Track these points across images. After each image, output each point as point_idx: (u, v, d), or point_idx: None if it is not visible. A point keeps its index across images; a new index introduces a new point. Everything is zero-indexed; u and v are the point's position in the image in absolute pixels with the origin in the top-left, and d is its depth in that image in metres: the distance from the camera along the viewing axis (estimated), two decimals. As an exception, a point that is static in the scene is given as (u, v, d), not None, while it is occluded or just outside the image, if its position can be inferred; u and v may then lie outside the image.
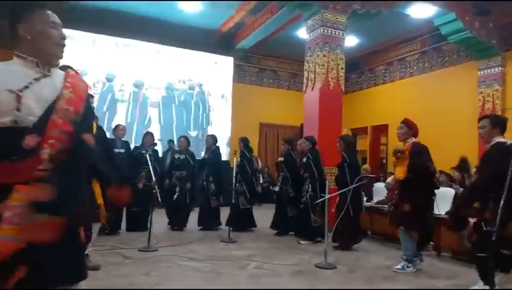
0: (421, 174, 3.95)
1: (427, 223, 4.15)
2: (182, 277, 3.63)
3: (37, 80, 1.40)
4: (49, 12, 1.47)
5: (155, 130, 9.47)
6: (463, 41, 7.65)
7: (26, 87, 1.36)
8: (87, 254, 3.55)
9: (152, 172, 4.84)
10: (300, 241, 5.50)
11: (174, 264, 4.02)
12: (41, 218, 1.27)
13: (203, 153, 7.06)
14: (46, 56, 1.45)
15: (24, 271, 1.23)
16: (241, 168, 6.26)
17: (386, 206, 6.08)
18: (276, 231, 6.05)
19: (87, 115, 1.51)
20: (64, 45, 1.50)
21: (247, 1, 7.78)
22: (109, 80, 9.38)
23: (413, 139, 4.21)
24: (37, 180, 1.29)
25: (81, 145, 1.44)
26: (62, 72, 1.51)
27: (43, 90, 1.40)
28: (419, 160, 3.96)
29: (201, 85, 10.36)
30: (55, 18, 1.47)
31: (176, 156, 6.27)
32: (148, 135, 6.04)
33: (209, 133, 6.78)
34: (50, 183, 1.30)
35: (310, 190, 5.45)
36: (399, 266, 4.12)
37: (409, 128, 4.23)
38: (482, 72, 7.97)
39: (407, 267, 4.09)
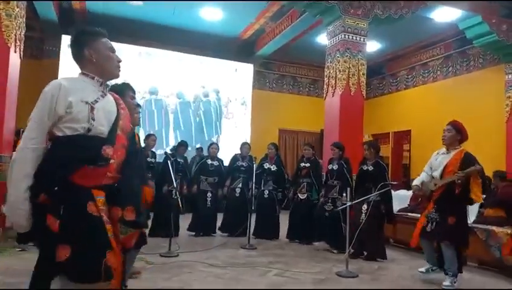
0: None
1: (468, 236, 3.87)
2: (202, 283, 3.64)
3: (102, 96, 1.66)
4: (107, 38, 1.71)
5: (171, 136, 9.64)
6: (490, 44, 7.41)
7: (96, 101, 1.61)
8: None
9: (174, 179, 4.89)
10: (333, 251, 5.32)
11: (194, 270, 4.04)
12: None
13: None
14: (109, 75, 1.69)
15: None
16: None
17: (409, 214, 5.96)
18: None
19: (133, 131, 1.81)
20: (120, 66, 1.73)
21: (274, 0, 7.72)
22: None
23: (461, 147, 3.85)
24: (106, 186, 1.54)
25: (134, 157, 1.73)
26: (110, 93, 1.74)
27: (108, 106, 1.66)
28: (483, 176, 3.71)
29: (218, 92, 10.43)
30: (111, 43, 1.71)
31: (209, 162, 6.32)
32: (182, 145, 6.26)
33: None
34: (118, 189, 1.57)
35: (343, 198, 5.09)
36: (447, 283, 3.72)
37: (458, 132, 3.82)
38: (510, 76, 7.71)
39: (455, 282, 3.73)
